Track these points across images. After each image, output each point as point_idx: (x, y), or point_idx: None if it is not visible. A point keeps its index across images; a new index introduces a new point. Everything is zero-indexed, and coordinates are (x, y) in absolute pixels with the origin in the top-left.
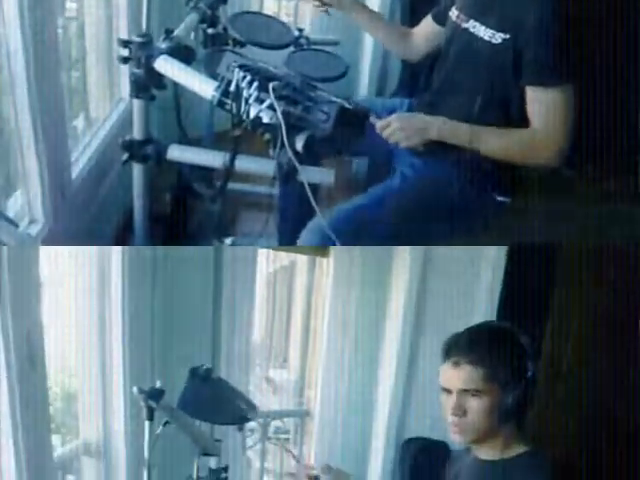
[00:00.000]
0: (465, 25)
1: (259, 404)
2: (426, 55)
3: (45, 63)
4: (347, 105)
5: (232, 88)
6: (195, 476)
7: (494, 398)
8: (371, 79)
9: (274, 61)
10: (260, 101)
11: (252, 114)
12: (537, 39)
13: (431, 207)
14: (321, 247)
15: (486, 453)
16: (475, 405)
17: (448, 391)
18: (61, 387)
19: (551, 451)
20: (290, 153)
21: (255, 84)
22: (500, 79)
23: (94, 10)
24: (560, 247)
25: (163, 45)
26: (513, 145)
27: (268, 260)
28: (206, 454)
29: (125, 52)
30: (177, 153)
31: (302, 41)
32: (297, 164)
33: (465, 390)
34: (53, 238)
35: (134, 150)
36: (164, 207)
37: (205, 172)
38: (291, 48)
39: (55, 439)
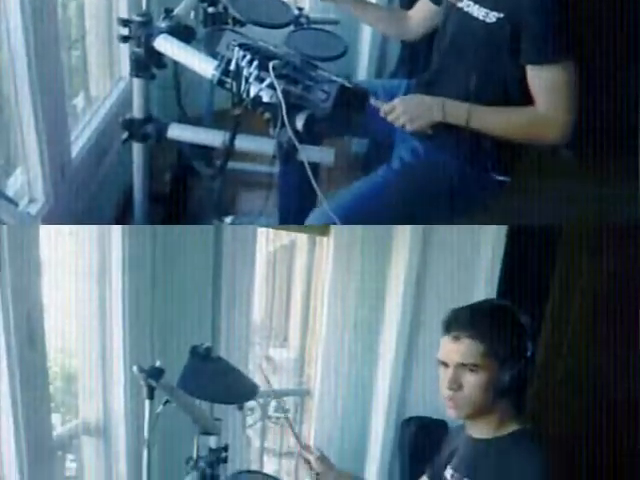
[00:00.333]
0: (460, 5)
1: (259, 383)
2: (424, 35)
3: (45, 42)
4: (347, 84)
5: (232, 67)
6: (195, 455)
7: (491, 374)
8: (370, 60)
9: (274, 40)
10: (260, 80)
11: (252, 93)
12: (534, 17)
13: (431, 189)
14: (321, 226)
15: (480, 431)
16: (472, 380)
17: (445, 365)
18: (61, 366)
19: (550, 431)
20: (290, 132)
21: (255, 63)
22: (497, 58)
23: None
24: (560, 228)
25: (163, 24)
26: (517, 123)
27: (268, 239)
28: (206, 433)
29: (125, 31)
30: (177, 132)
31: (302, 20)
32: (297, 143)
33: (463, 364)
34: (53, 217)
35: (134, 129)
36: (164, 186)
37: (205, 151)
38: (291, 27)
39: (55, 418)
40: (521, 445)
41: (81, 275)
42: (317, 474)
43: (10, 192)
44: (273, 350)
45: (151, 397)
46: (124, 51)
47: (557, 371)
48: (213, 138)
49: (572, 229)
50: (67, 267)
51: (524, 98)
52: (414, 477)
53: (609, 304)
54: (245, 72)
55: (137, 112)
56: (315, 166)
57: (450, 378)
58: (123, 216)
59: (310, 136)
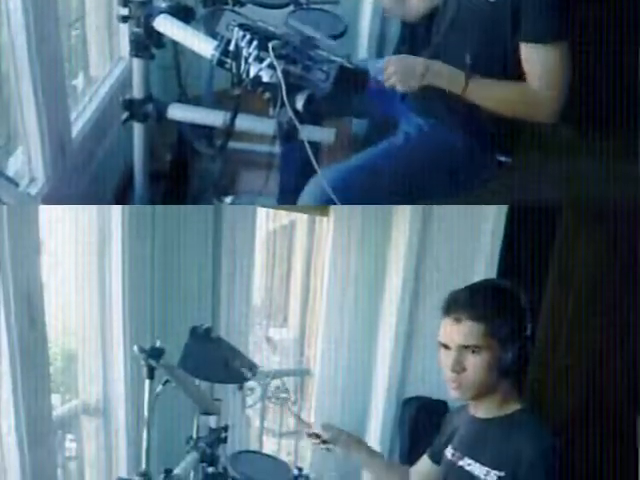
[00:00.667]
0: None
1: (259, 363)
2: (424, 15)
3: (45, 22)
4: (347, 64)
5: (232, 47)
6: (195, 435)
7: (493, 354)
8: (370, 39)
9: (273, 20)
10: (260, 60)
11: (252, 73)
12: None
13: (433, 166)
14: (321, 206)
15: (483, 411)
16: (474, 361)
17: (447, 347)
18: (61, 347)
19: (550, 411)
20: (290, 112)
21: (255, 43)
22: (497, 37)
23: None
24: (560, 207)
25: (162, 4)
26: (508, 97)
27: (268, 219)
28: (206, 413)
29: (125, 11)
30: (177, 112)
31: (301, 0)
32: (297, 123)
33: (465, 346)
34: (53, 197)
35: (134, 109)
36: (164, 166)
37: (205, 131)
38: (290, 7)
39: (55, 398)
40: (524, 424)
41: (81, 255)
42: (328, 443)
43: (10, 172)
44: (273, 330)
45: (151, 377)
46: (124, 31)
47: (557, 351)
48: (213, 118)
49: (572, 208)
50: (67, 247)
51: (522, 78)
52: (414, 457)
53: (609, 283)
54: (245, 52)
55: (137, 92)
56: (315, 146)
57: (453, 360)
58: (123, 196)
59: (310, 116)
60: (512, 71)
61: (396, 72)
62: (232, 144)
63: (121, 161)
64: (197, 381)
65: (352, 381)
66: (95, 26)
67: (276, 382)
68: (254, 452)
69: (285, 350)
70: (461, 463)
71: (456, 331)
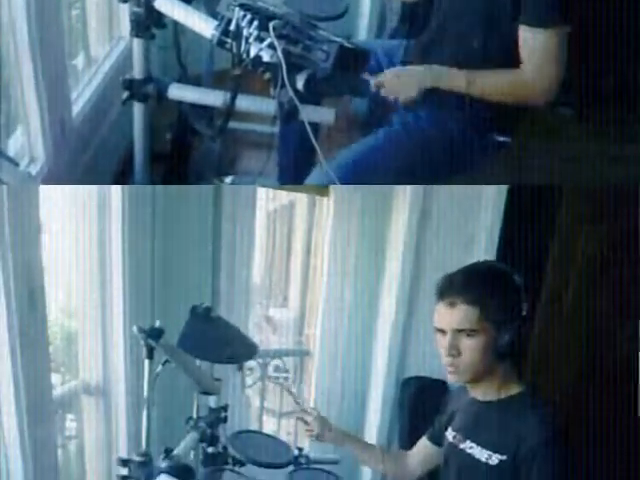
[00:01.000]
0: None
1: (259, 343)
2: None
3: (45, 2)
4: (347, 44)
5: (232, 27)
6: (195, 415)
7: (488, 337)
8: (371, 19)
9: (274, 0)
10: (260, 40)
11: (252, 53)
12: None
13: (432, 149)
14: (321, 186)
15: (483, 393)
16: (470, 345)
17: (442, 331)
18: (61, 326)
19: (551, 393)
20: (291, 92)
21: (255, 23)
22: (498, 19)
23: None
24: (560, 188)
25: None
26: (504, 85)
27: (268, 199)
28: (206, 393)
29: None
30: (177, 92)
31: None
32: (298, 103)
33: (460, 330)
34: (53, 177)
35: (134, 89)
36: (164, 146)
37: (205, 111)
38: None
39: (55, 378)
40: (525, 407)
41: (81, 235)
42: (316, 434)
43: (10, 152)
44: (273, 310)
45: (151, 357)
46: (124, 11)
47: (557, 332)
48: (213, 98)
49: (572, 189)
50: (67, 227)
51: (516, 60)
52: (413, 437)
53: (609, 264)
54: (245, 32)
55: (137, 72)
56: (315, 126)
57: (448, 345)
58: (123, 176)
59: (310, 96)
60: (511, 55)
61: (395, 85)
62: (232, 124)
63: (121, 141)
64: (197, 361)
65: (352, 361)
66: (95, 6)
67: (276, 362)
68: (254, 432)
69: (285, 330)
70: (462, 446)
71: (451, 315)
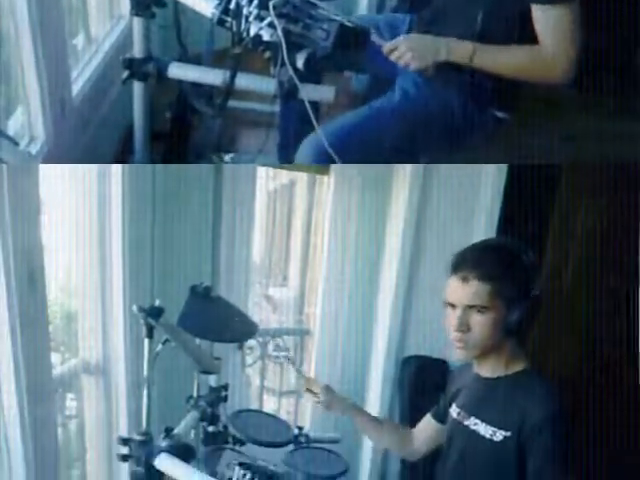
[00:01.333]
0: None
1: (259, 322)
2: None
3: None
4: (347, 23)
5: (232, 6)
6: (195, 394)
7: (498, 314)
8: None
9: None
10: (260, 19)
11: (252, 32)
12: None
13: (430, 121)
14: (321, 165)
15: (488, 370)
16: (480, 321)
17: (453, 306)
18: (61, 306)
19: (551, 370)
20: (291, 71)
21: (255, 2)
22: None
23: None
24: (560, 166)
25: None
26: (521, 63)
27: (268, 178)
28: (206, 372)
29: None
30: (177, 71)
31: None
32: (297, 82)
33: (471, 306)
34: (53, 156)
35: (134, 68)
36: (164, 125)
37: (205, 90)
38: None
39: (55, 357)
40: (530, 384)
41: (81, 214)
42: (323, 401)
43: (10, 131)
44: (273, 289)
45: (150, 336)
46: None
47: (557, 310)
48: (213, 77)
49: (572, 167)
50: (67, 206)
51: (530, 37)
52: (414, 416)
53: (609, 242)
54: (245, 11)
55: (137, 51)
56: (315, 105)
57: (458, 320)
58: (123, 155)
59: (311, 74)
60: (520, 32)
61: (410, 51)
62: (232, 103)
63: (121, 120)
64: (197, 340)
65: (352, 340)
66: None
67: (276, 341)
68: (254, 411)
69: (285, 309)
70: (467, 422)
71: (462, 290)
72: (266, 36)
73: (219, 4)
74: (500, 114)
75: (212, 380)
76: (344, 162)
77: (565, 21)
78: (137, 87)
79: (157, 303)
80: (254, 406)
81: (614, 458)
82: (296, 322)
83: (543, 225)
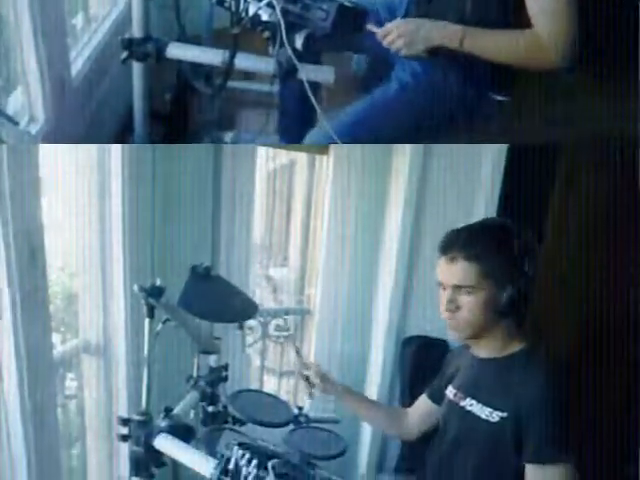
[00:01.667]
0: None
1: (259, 302)
2: None
3: None
4: (346, 3)
5: None
6: (195, 374)
7: (488, 295)
8: None
9: None
10: None
11: (251, 12)
12: None
13: (430, 109)
14: (321, 145)
15: (485, 351)
16: (469, 301)
17: (443, 286)
18: (61, 286)
19: (550, 348)
20: (289, 51)
21: None
22: None
23: None
24: (560, 146)
25: None
26: (514, 47)
27: (268, 158)
28: (206, 352)
29: None
30: (177, 51)
31: None
32: (296, 62)
33: (459, 286)
34: (53, 136)
35: (133, 48)
36: (164, 105)
37: (204, 70)
38: None
39: (55, 337)
40: (527, 364)
41: (81, 194)
42: (318, 387)
43: (10, 111)
44: (273, 269)
45: (151, 316)
46: None
47: (557, 288)
48: (212, 57)
49: (571, 147)
50: (67, 186)
51: (524, 20)
52: (414, 395)
53: (608, 221)
54: None
55: (136, 31)
56: (315, 85)
57: (447, 300)
58: (123, 135)
59: (309, 55)
60: (513, 14)
61: (400, 37)
62: (231, 83)
63: (121, 100)
64: (197, 320)
65: (352, 320)
66: None
67: (276, 321)
68: (254, 391)
69: (285, 289)
70: (463, 403)
71: (450, 271)
72: (265, 16)
73: None
74: (500, 97)
75: (212, 360)
76: None
77: (560, 3)
78: (136, 67)
79: (158, 283)
80: (254, 386)
81: (611, 439)
82: (297, 302)
83: (543, 202)
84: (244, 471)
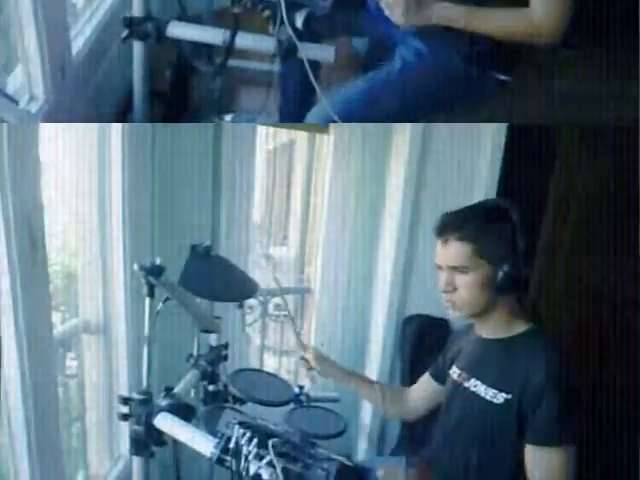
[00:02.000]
0: None
1: (259, 281)
2: None
3: None
4: None
5: None
6: (195, 353)
7: (483, 274)
8: None
9: None
10: None
11: None
12: None
13: (432, 88)
14: (321, 124)
15: (489, 331)
16: (464, 281)
17: (440, 268)
18: (61, 265)
19: (550, 332)
20: (290, 30)
21: None
22: None
23: None
24: (560, 128)
25: None
26: (513, 24)
27: (268, 137)
28: (206, 331)
29: None
30: (177, 30)
31: None
32: (297, 41)
33: (454, 267)
34: (53, 115)
35: (134, 27)
36: (164, 84)
37: (205, 49)
38: None
39: (55, 317)
40: (532, 345)
41: (81, 174)
42: (316, 369)
43: (10, 90)
44: (273, 248)
45: (151, 295)
46: None
47: (556, 272)
48: (213, 36)
49: (571, 129)
50: (67, 166)
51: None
52: (414, 375)
53: (608, 204)
54: None
55: (137, 10)
56: (315, 65)
57: (444, 281)
58: (123, 114)
59: (310, 34)
60: None
61: (400, 5)
62: (232, 62)
63: (121, 79)
64: (197, 299)
65: (352, 299)
66: None
67: (276, 300)
68: (254, 370)
69: (285, 268)
70: (467, 384)
71: (445, 253)
72: None
73: None
74: (501, 76)
75: (212, 339)
76: None
77: None
78: (137, 46)
79: (158, 262)
80: (254, 365)
81: (616, 422)
82: (297, 281)
83: (544, 183)
84: (244, 450)
